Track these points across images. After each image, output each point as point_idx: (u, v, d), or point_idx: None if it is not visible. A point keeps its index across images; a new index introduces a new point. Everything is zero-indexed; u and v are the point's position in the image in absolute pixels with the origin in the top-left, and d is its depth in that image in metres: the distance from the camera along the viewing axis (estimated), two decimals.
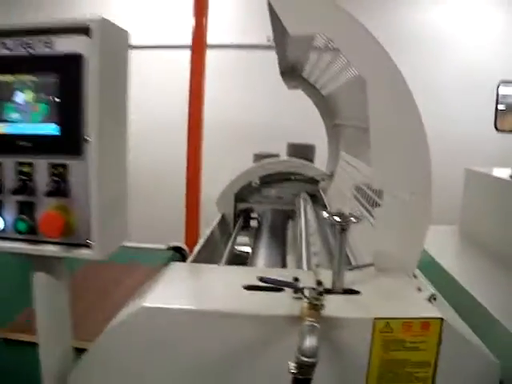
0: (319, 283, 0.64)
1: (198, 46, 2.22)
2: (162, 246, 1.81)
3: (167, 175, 3.00)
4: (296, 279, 0.60)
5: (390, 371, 0.58)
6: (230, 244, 1.32)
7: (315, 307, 0.54)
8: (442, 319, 0.56)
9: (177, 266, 0.72)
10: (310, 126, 1.88)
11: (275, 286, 0.60)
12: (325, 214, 0.62)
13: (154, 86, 3.07)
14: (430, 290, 0.63)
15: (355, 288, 0.64)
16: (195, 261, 1.07)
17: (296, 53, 1.32)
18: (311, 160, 1.82)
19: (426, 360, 0.58)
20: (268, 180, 1.67)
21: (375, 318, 0.57)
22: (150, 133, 3.09)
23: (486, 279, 1.21)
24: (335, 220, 0.61)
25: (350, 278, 0.68)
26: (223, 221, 1.64)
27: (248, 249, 1.45)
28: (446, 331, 0.57)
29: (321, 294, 0.56)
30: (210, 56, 2.44)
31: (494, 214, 1.44)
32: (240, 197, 1.69)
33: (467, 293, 1.07)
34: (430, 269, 1.33)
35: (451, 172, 1.97)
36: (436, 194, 1.93)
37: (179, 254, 1.75)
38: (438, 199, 1.76)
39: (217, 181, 1.77)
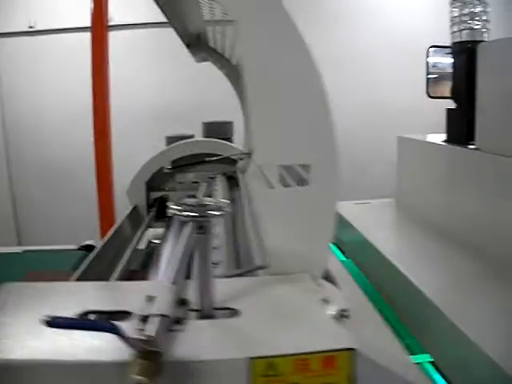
0: (183, 303, 0.45)
1: (98, 26, 1.99)
2: (73, 246, 1.59)
3: (77, 169, 2.72)
4: (150, 298, 0.41)
5: None
6: (135, 240, 1.12)
7: (149, 356, 0.34)
8: (352, 349, 0.38)
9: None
10: (230, 103, 1.70)
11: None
12: (171, 209, 0.42)
13: (54, 74, 2.77)
14: (341, 302, 0.45)
15: (234, 305, 0.46)
16: (93, 262, 0.87)
17: (195, 21, 1.12)
18: (229, 139, 1.62)
19: None
20: (183, 164, 1.47)
21: (251, 358, 0.38)
22: (53, 125, 2.80)
23: (416, 255, 1.08)
24: (184, 216, 0.41)
25: (231, 289, 0.50)
26: (136, 212, 1.43)
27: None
28: (362, 365, 0.39)
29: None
30: (116, 36, 2.25)
31: (427, 181, 1.32)
32: (153, 185, 1.48)
33: (401, 274, 0.94)
34: (360, 248, 1.20)
35: (389, 142, 1.85)
36: (373, 167, 1.81)
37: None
38: (376, 172, 1.66)
39: (132, 170, 1.56)
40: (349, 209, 1.38)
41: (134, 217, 1.41)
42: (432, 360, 0.84)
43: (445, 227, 1.22)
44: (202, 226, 0.43)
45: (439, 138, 1.30)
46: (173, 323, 0.41)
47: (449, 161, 1.23)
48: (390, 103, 2.69)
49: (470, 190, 1.15)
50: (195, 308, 0.45)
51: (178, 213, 0.42)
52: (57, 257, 1.52)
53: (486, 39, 1.16)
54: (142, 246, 1.26)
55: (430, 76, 1.54)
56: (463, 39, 1.15)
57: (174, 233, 1.16)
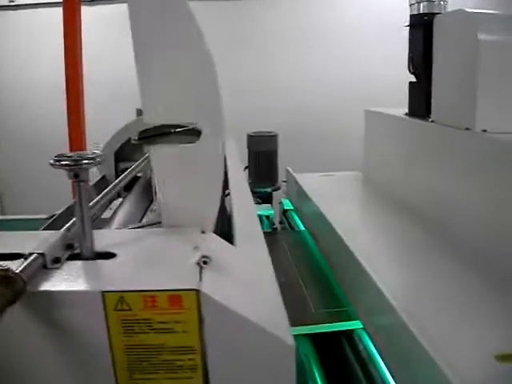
0: (69, 247, 0.50)
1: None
2: (44, 216, 1.65)
3: (53, 142, 2.79)
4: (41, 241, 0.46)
5: (143, 360, 0.44)
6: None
7: (8, 285, 0.39)
8: (197, 291, 0.42)
9: None
10: None
11: None
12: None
13: (25, 49, 2.81)
14: (208, 250, 0.49)
15: (115, 250, 0.50)
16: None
17: None
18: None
19: (188, 345, 0.43)
20: (150, 135, 1.50)
21: (103, 292, 0.42)
22: (34, 99, 2.85)
23: (364, 225, 1.12)
24: (59, 165, 0.45)
25: (120, 238, 0.54)
26: (104, 182, 1.48)
27: None
28: (209, 307, 0.43)
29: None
30: (89, 12, 2.25)
31: (389, 154, 1.34)
32: (121, 156, 1.52)
33: (342, 242, 0.97)
34: (314, 218, 1.24)
35: None
36: (354, 142, 1.80)
37: None
38: (357, 147, 1.68)
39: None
40: (311, 180, 1.42)
41: (101, 186, 1.46)
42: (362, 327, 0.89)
43: (402, 199, 1.25)
44: (77, 175, 0.47)
45: (401, 110, 1.32)
46: (52, 262, 0.47)
47: (407, 134, 1.25)
48: (376, 78, 2.68)
49: (425, 162, 1.18)
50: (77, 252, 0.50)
51: (54, 163, 0.46)
52: (25, 225, 1.57)
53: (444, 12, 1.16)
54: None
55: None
56: (422, 11, 1.16)
57: (133, 196, 1.22)
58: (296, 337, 0.85)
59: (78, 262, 0.48)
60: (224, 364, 0.44)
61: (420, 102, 1.20)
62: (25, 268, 0.42)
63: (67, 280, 0.44)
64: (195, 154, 0.54)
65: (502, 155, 0.91)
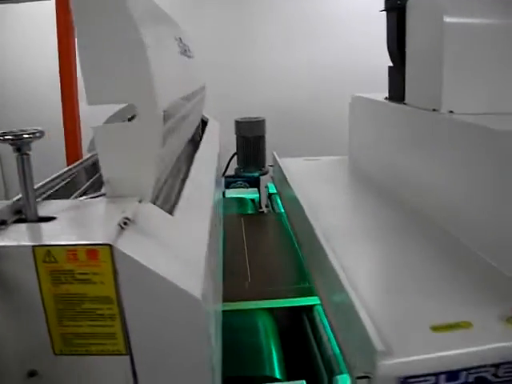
0: (17, 212, 0.58)
1: None
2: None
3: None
4: None
5: (69, 308, 0.52)
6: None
7: None
8: (110, 246, 0.49)
9: None
10: None
11: None
12: None
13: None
14: (132, 214, 0.56)
15: (58, 215, 0.58)
16: None
17: None
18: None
19: (105, 295, 0.50)
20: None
21: (34, 246, 0.50)
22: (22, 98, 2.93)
23: (335, 206, 1.17)
24: (4, 139, 0.53)
25: (67, 206, 0.61)
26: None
27: None
28: (121, 261, 0.49)
29: None
30: None
31: (369, 138, 1.39)
32: None
33: (307, 221, 1.03)
34: (290, 200, 1.30)
35: None
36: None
37: None
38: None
39: None
40: (295, 164, 1.47)
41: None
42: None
43: (381, 182, 1.30)
44: (19, 148, 0.55)
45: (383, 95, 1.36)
46: None
47: (385, 117, 1.29)
48: (364, 65, 2.69)
49: (400, 145, 1.22)
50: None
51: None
52: None
53: None
54: None
55: None
56: None
57: None
58: (258, 311, 0.92)
59: (22, 225, 0.56)
60: (139, 314, 0.51)
61: (397, 86, 1.24)
62: None
63: (8, 237, 0.52)
64: (131, 130, 0.61)
65: (466, 136, 0.95)
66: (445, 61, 1.01)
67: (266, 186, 1.63)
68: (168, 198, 0.74)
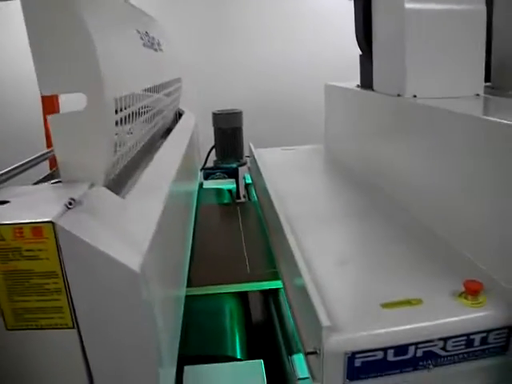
0: None
1: None
2: None
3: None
4: None
5: (18, 284, 0.55)
6: None
7: None
8: (53, 223, 0.53)
9: None
10: None
11: None
12: None
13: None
14: (78, 195, 0.60)
15: (12, 200, 0.62)
16: None
17: None
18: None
19: (51, 270, 0.54)
20: None
21: None
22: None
23: (303, 193, 1.20)
24: None
25: (30, 191, 0.65)
26: None
27: None
28: (64, 238, 0.53)
29: None
30: None
31: (342, 125, 1.43)
32: None
33: (274, 208, 1.07)
34: (261, 189, 1.33)
35: None
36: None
37: None
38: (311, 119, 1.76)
39: None
40: (271, 154, 1.52)
41: None
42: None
43: (353, 168, 1.34)
44: None
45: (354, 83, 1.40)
46: None
47: (355, 104, 1.33)
48: (340, 54, 2.72)
49: (369, 131, 1.26)
50: None
51: None
52: None
53: None
54: None
55: None
56: None
57: None
58: (225, 294, 0.97)
59: None
60: (83, 288, 0.55)
61: (366, 73, 1.28)
62: None
63: None
64: (81, 118, 0.65)
65: (428, 119, 0.99)
66: (407, 46, 1.05)
67: (244, 177, 1.68)
68: (125, 184, 0.78)
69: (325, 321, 0.68)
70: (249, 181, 1.61)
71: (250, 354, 0.86)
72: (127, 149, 0.81)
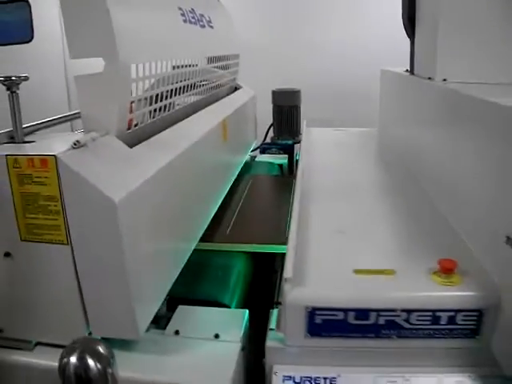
0: (11, 138, 0.81)
1: None
2: None
3: None
4: None
5: (30, 204, 0.72)
6: None
7: None
8: (55, 157, 0.69)
9: None
10: None
11: None
12: None
13: None
14: (84, 139, 0.75)
15: (38, 141, 0.79)
16: None
17: None
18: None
19: (52, 194, 0.70)
20: None
21: (7, 155, 0.71)
22: None
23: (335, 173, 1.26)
24: None
25: (46, 137, 0.82)
26: None
27: None
28: (62, 169, 0.68)
29: None
30: None
31: (392, 110, 1.45)
32: None
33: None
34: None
35: None
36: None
37: None
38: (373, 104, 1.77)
39: None
40: (322, 133, 1.58)
41: None
42: None
43: (394, 150, 1.36)
44: (9, 88, 0.77)
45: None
46: None
47: (402, 89, 1.34)
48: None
49: (410, 115, 1.28)
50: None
51: None
52: None
53: None
54: None
55: None
56: None
57: None
58: (239, 253, 1.09)
59: (11, 144, 0.78)
60: (76, 212, 0.70)
61: (412, 58, 1.29)
62: None
63: None
64: (100, 79, 0.80)
65: (454, 102, 1.00)
66: (440, 28, 1.06)
67: (296, 153, 1.76)
68: (142, 138, 0.92)
69: (287, 273, 0.77)
70: (298, 157, 1.70)
71: (245, 306, 0.96)
72: (149, 109, 0.95)
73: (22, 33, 3.24)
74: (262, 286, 1.10)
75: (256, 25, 2.90)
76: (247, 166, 1.68)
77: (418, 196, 1.08)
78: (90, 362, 0.60)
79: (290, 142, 1.91)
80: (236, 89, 1.65)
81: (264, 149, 1.91)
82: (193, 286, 0.99)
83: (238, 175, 1.49)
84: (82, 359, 0.60)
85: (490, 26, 1.04)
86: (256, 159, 1.82)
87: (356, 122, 1.76)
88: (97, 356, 0.61)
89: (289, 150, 1.88)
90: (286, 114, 1.94)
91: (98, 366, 0.60)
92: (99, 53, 0.79)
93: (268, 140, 2.03)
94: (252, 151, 1.87)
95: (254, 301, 1.02)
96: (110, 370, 0.61)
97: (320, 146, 1.43)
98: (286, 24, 3.01)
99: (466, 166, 0.92)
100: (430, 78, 1.10)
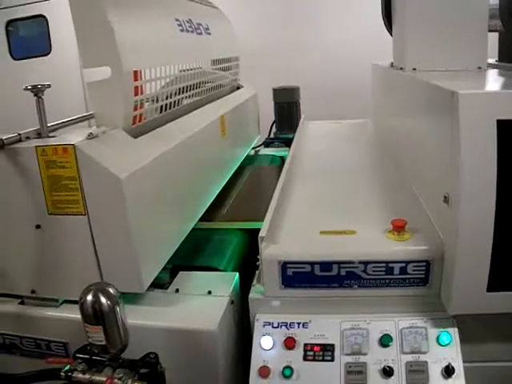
0: (38, 134, 1.03)
1: None
2: None
3: None
4: None
5: (55, 184, 0.94)
6: None
7: None
8: (74, 145, 0.91)
9: None
10: None
11: None
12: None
13: None
14: (96, 132, 0.97)
15: (59, 135, 1.02)
16: None
17: None
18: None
19: (72, 175, 0.91)
20: None
21: (36, 146, 0.93)
22: None
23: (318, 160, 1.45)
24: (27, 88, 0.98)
25: (65, 131, 1.04)
26: None
27: None
28: (79, 154, 0.91)
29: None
30: None
31: (379, 100, 1.63)
32: None
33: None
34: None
35: None
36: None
37: None
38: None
39: None
40: (318, 126, 1.77)
41: None
42: None
43: (383, 138, 1.53)
44: (36, 94, 1.00)
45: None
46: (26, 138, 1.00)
47: (385, 80, 1.52)
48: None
49: (389, 104, 1.46)
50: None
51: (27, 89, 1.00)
52: None
53: None
54: None
55: None
56: None
57: None
58: (236, 230, 1.29)
59: (38, 139, 0.99)
60: (91, 188, 0.92)
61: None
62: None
63: (27, 143, 0.97)
64: (108, 83, 1.02)
65: (413, 88, 1.17)
66: (407, 21, 1.22)
67: None
68: (146, 131, 1.14)
69: (262, 232, 0.96)
70: None
71: (240, 273, 1.15)
72: (151, 108, 1.17)
73: (41, 46, 3.54)
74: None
75: (258, 28, 3.14)
76: (251, 159, 1.88)
77: (392, 172, 1.26)
78: (103, 299, 0.80)
79: (290, 136, 2.11)
80: (238, 88, 1.86)
81: (267, 143, 2.12)
82: (195, 257, 1.20)
83: (241, 167, 1.70)
84: (96, 296, 0.80)
85: (449, 22, 1.21)
86: (259, 153, 2.03)
87: (355, 115, 1.94)
88: (107, 295, 0.80)
89: (290, 143, 2.08)
90: (286, 109, 2.15)
91: (109, 302, 0.80)
92: (106, 62, 1.01)
93: (272, 136, 2.24)
94: (257, 146, 2.08)
95: (248, 269, 1.21)
96: (117, 307, 0.80)
97: (313, 136, 1.62)
98: (287, 26, 3.24)
99: (425, 141, 1.08)
100: (401, 69, 1.27)
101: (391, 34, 1.45)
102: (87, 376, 0.82)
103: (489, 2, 1.19)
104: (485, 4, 1.19)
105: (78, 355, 0.85)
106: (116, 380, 0.80)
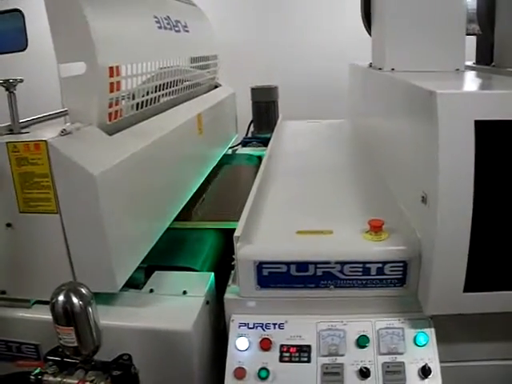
0: (10, 130, 1.02)
1: None
2: None
3: None
4: None
5: (26, 181, 0.92)
6: None
7: None
8: (46, 141, 0.90)
9: None
10: None
11: None
12: None
13: None
14: (69, 128, 0.96)
15: (33, 130, 1.00)
16: None
17: None
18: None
19: (44, 172, 0.90)
20: None
21: (7, 142, 0.91)
22: None
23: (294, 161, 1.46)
24: None
25: (39, 127, 1.03)
26: None
27: None
28: (52, 151, 0.89)
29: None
30: None
31: (355, 99, 1.65)
32: None
33: None
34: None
35: None
36: None
37: None
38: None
39: None
40: (295, 125, 1.79)
41: None
42: None
43: (360, 137, 1.56)
44: (7, 88, 0.99)
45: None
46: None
47: (363, 80, 1.55)
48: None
49: (368, 103, 1.48)
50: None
51: None
52: None
53: None
54: None
55: None
56: None
57: None
58: (211, 229, 1.29)
59: (10, 135, 0.97)
60: (63, 186, 0.90)
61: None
62: None
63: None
64: (83, 78, 1.01)
65: (391, 87, 1.19)
66: (386, 22, 1.24)
67: None
68: (122, 128, 1.13)
69: (237, 232, 0.97)
70: None
71: (215, 273, 1.15)
72: (128, 104, 1.16)
73: (17, 42, 3.47)
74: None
75: (237, 27, 3.16)
76: (228, 158, 1.89)
77: (369, 172, 1.28)
78: (74, 299, 0.79)
79: (268, 135, 2.12)
80: (216, 87, 1.87)
81: (245, 142, 2.13)
82: (170, 256, 1.19)
83: (218, 166, 1.70)
84: (67, 297, 0.79)
85: (428, 24, 1.23)
86: (237, 152, 2.04)
87: (332, 115, 1.96)
88: (79, 295, 0.79)
89: (267, 143, 2.09)
90: (264, 109, 2.16)
91: (81, 303, 0.79)
92: (81, 58, 1.00)
93: (250, 135, 2.25)
94: (235, 146, 2.09)
95: (224, 269, 1.21)
96: (89, 308, 0.79)
97: (291, 135, 1.63)
98: (266, 26, 3.28)
99: (403, 140, 1.09)
100: (380, 69, 1.29)
101: (370, 35, 1.47)
102: (58, 379, 0.80)
103: (467, 5, 1.21)
104: (463, 7, 1.22)
105: (48, 357, 0.83)
106: (88, 383, 0.79)
